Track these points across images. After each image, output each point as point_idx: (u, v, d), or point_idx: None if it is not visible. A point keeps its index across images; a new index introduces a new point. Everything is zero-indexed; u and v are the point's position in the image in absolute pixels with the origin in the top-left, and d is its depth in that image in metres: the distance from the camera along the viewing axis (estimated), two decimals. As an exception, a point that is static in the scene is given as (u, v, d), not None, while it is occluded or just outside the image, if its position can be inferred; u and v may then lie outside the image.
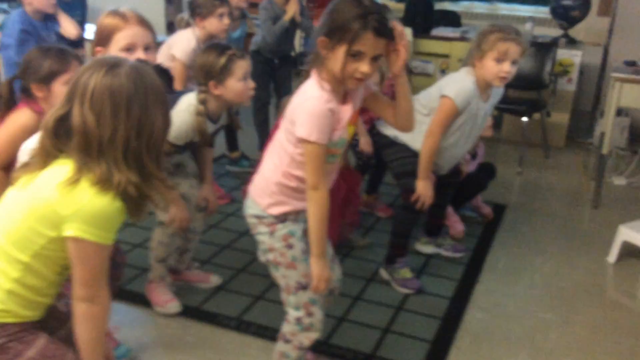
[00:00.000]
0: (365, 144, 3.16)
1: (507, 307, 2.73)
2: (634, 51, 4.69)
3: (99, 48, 1.95)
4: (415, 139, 2.67)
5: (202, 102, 2.33)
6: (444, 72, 5.22)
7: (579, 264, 3.15)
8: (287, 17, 3.99)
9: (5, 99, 1.99)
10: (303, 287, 1.86)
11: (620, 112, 4.46)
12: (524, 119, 4.54)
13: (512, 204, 3.88)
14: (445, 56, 5.34)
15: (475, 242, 3.31)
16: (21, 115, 1.96)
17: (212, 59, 2.31)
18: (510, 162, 4.56)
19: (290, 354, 1.97)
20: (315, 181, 1.74)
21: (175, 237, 2.53)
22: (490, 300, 2.77)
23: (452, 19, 5.80)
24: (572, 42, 5.08)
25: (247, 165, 4.11)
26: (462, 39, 5.24)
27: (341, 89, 1.75)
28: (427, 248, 3.15)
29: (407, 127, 1.89)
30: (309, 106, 1.71)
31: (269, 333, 2.38)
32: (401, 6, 5.48)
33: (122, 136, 1.33)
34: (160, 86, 1.41)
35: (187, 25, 3.32)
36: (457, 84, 2.62)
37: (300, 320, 1.90)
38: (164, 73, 2.17)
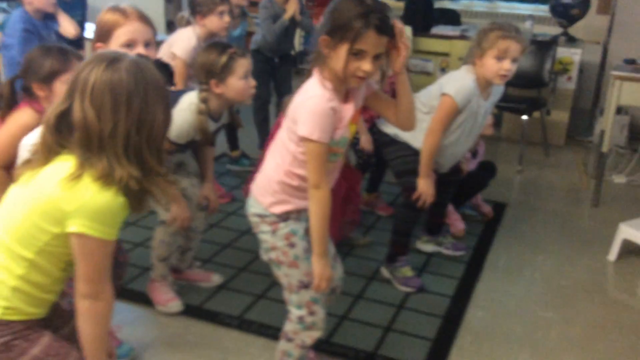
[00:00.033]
0: (366, 142, 3.16)
1: (507, 306, 2.73)
2: (633, 49, 4.69)
3: (99, 44, 1.95)
4: (416, 137, 2.67)
5: (204, 100, 2.33)
6: (443, 70, 5.22)
7: (580, 262, 3.16)
8: (287, 16, 4.00)
9: (7, 99, 1.99)
10: (305, 285, 1.87)
11: (620, 110, 4.46)
12: (524, 117, 4.54)
13: (512, 202, 3.89)
14: (445, 54, 5.34)
15: (476, 240, 3.31)
16: (22, 115, 1.95)
17: (213, 58, 2.31)
18: (510, 161, 4.56)
19: (292, 353, 1.97)
20: (317, 180, 1.74)
21: (177, 236, 2.53)
22: (491, 299, 2.78)
23: (451, 17, 5.80)
24: (571, 41, 5.08)
25: (248, 164, 4.11)
26: (462, 37, 5.24)
27: (343, 88, 1.76)
28: (427, 247, 3.16)
29: (409, 125, 1.89)
30: (310, 105, 1.71)
31: (271, 332, 2.39)
32: (401, 4, 5.48)
33: (122, 131, 1.33)
34: (161, 81, 1.41)
35: (188, 23, 3.32)
36: (458, 82, 2.63)
37: (302, 319, 1.91)
38: (164, 68, 2.17)
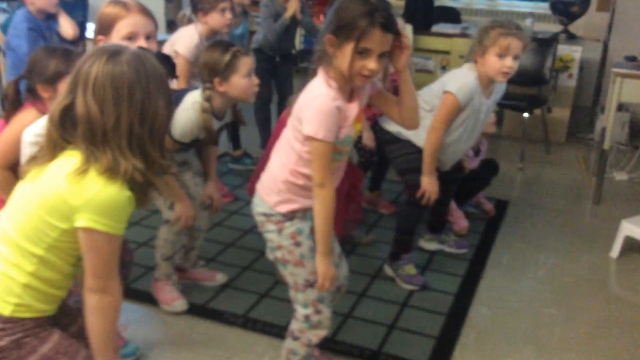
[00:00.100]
0: (368, 139, 3.16)
1: (511, 303, 2.74)
2: (633, 46, 4.71)
3: (100, 37, 1.96)
4: (419, 135, 2.68)
5: (208, 99, 2.33)
6: (444, 68, 5.22)
7: (582, 259, 3.17)
8: (287, 15, 4.00)
9: (11, 100, 1.99)
10: (311, 284, 1.87)
11: (620, 107, 4.47)
12: (525, 115, 4.55)
13: (514, 199, 3.89)
14: (446, 52, 5.35)
15: (479, 238, 3.32)
16: (27, 116, 1.95)
17: (216, 56, 2.31)
18: (511, 158, 4.56)
19: (298, 351, 1.98)
20: (321, 179, 1.75)
21: (181, 235, 2.54)
22: (494, 296, 2.78)
23: (452, 15, 5.80)
24: (572, 38, 5.09)
25: (250, 163, 4.12)
26: (463, 35, 5.24)
27: (348, 87, 1.76)
28: (430, 245, 3.16)
29: (413, 123, 1.90)
30: (316, 104, 1.71)
31: (275, 330, 2.40)
32: (401, 2, 5.48)
33: (125, 123, 1.34)
34: (162, 73, 1.41)
35: (190, 22, 3.32)
36: (459, 80, 2.63)
37: (308, 318, 1.91)
38: (165, 60, 2.17)
